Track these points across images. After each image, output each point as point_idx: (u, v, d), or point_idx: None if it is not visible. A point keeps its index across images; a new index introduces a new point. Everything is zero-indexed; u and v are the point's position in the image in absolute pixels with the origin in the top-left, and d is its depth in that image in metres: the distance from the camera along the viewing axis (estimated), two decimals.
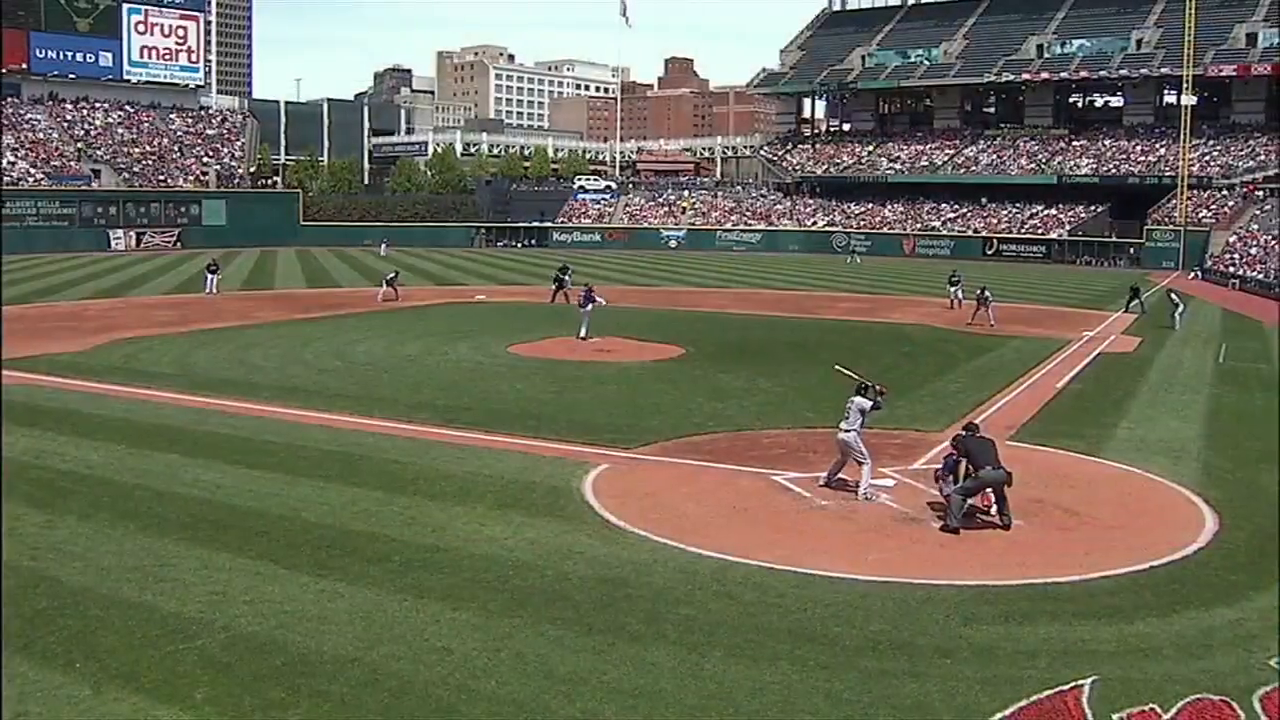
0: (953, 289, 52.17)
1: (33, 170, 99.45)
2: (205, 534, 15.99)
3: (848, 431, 18.54)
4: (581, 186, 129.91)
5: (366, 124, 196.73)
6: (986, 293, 46.21)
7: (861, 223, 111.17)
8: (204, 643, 12.19)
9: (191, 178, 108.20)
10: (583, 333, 37.45)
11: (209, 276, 55.90)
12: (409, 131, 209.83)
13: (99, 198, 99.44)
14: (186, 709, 10.72)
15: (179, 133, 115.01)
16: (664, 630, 12.76)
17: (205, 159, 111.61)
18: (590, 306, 38.61)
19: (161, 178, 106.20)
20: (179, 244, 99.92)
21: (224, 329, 41.42)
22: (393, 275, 55.42)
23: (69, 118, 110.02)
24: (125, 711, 10.67)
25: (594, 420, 24.67)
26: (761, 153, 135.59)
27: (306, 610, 13.16)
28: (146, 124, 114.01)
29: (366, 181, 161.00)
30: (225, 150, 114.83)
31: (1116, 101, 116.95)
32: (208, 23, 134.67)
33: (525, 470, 20.08)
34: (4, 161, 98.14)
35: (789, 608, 13.54)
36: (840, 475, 18.92)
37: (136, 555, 15.05)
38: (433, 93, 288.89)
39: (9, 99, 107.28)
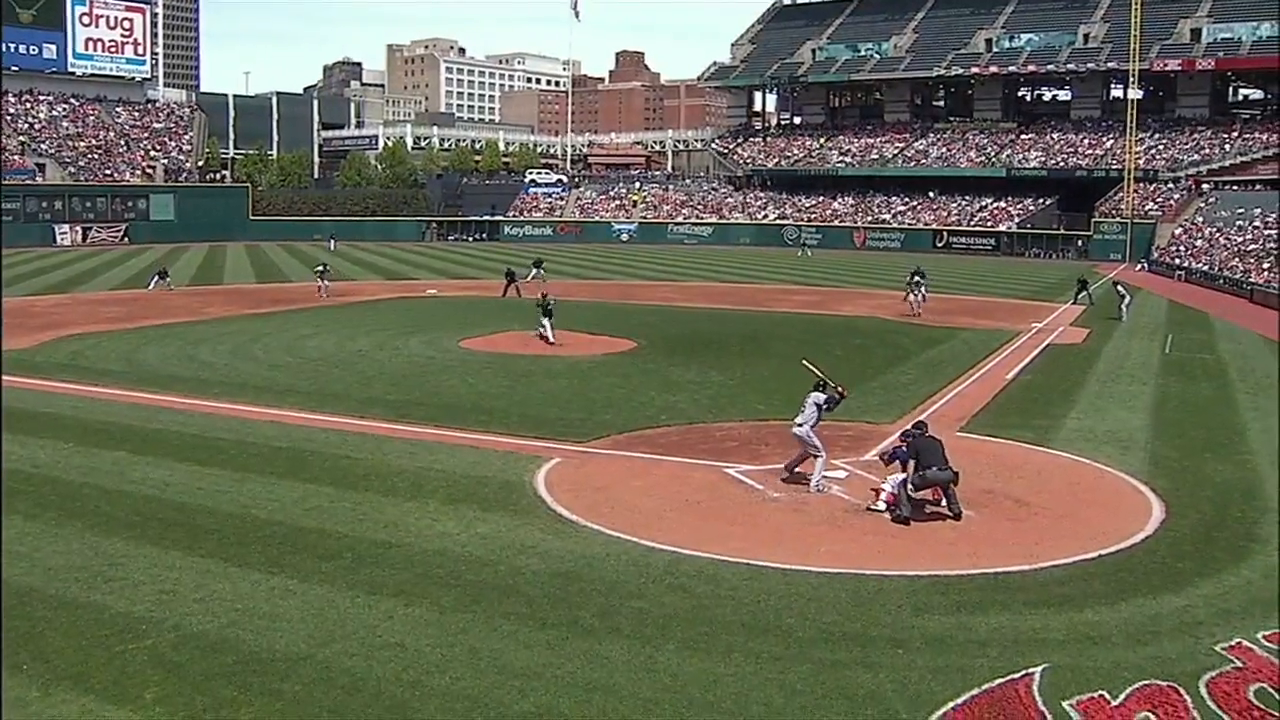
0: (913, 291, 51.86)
1: None
2: (154, 532, 15.83)
3: (800, 425, 18.62)
4: (533, 180, 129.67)
5: (316, 118, 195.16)
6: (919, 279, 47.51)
7: (812, 216, 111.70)
8: (154, 642, 12.07)
9: (139, 172, 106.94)
10: (550, 336, 36.48)
11: (156, 279, 55.28)
12: (359, 125, 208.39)
13: (43, 192, 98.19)
14: (137, 709, 10.60)
15: (126, 126, 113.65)
16: (618, 624, 12.77)
17: (153, 153, 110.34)
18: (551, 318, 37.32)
19: (108, 172, 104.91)
20: (126, 239, 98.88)
21: (173, 325, 41.00)
22: (322, 268, 54.89)
23: (12, 111, 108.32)
24: (74, 713, 10.54)
25: (546, 414, 24.65)
26: (712, 146, 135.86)
27: (258, 608, 13.06)
28: (92, 117, 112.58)
29: (316, 175, 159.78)
30: (173, 144, 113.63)
31: (1064, 95, 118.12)
32: (154, 15, 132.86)
33: (477, 465, 20.03)
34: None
35: (742, 600, 13.58)
36: (799, 469, 19.00)
37: (84, 554, 14.88)
38: (383, 86, 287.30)
39: None
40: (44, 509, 16.88)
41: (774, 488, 18.63)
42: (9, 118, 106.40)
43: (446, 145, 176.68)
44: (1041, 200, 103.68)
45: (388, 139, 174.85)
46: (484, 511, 17.10)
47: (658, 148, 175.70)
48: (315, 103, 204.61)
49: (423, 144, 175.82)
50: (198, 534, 15.77)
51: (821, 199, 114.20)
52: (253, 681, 11.16)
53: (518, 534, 16.03)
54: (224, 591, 13.56)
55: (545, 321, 36.39)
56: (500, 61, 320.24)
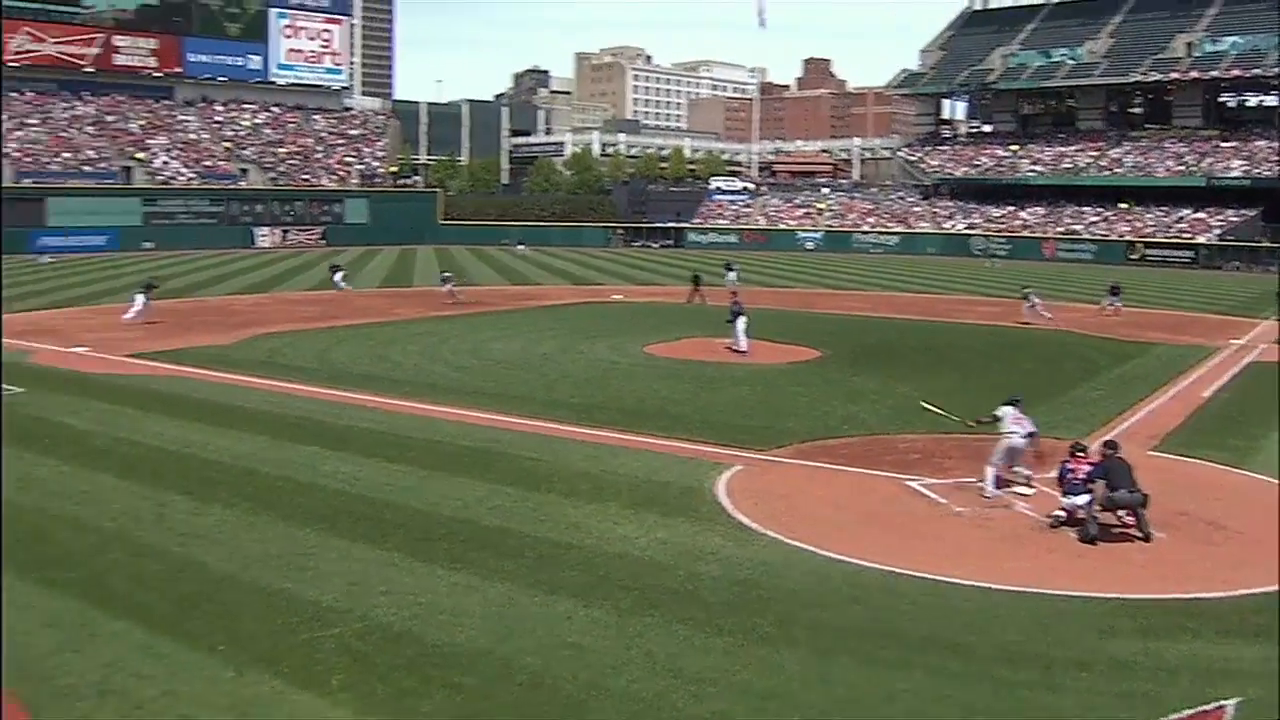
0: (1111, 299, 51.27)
1: (184, 170, 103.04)
2: (344, 525, 16.39)
3: (1008, 434, 18.55)
4: (718, 188, 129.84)
5: (505, 124, 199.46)
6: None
7: (1001, 226, 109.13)
8: (341, 631, 12.50)
9: (335, 177, 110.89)
10: (742, 345, 36.19)
11: (335, 277, 57.23)
12: (547, 132, 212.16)
13: (245, 196, 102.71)
14: (323, 694, 11.00)
15: (323, 133, 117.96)
16: (794, 633, 12.70)
17: (348, 159, 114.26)
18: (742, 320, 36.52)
19: (306, 177, 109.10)
20: (323, 241, 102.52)
21: (364, 325, 42.37)
22: (447, 275, 54.98)
23: (219, 119, 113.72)
24: (265, 694, 11.00)
25: (728, 421, 24.65)
26: (899, 154, 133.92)
27: (440, 602, 13.40)
28: (292, 125, 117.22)
29: (505, 181, 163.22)
30: (368, 150, 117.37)
31: (1271, 101, 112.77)
32: (352, 26, 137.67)
33: (659, 470, 20.15)
34: (158, 161, 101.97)
35: (921, 615, 13.37)
36: (1009, 482, 18.81)
37: (278, 544, 15.51)
38: (571, 93, 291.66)
39: (163, 101, 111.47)
40: (241, 499, 17.64)
41: (958, 502, 18.28)
42: (216, 125, 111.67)
43: (633, 152, 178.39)
44: (1244, 211, 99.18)
45: (575, 146, 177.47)
46: (664, 516, 17.19)
47: (844, 156, 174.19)
48: (505, 110, 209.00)
49: (609, 151, 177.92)
50: (385, 528, 16.26)
51: (1011, 209, 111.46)
52: (434, 674, 11.46)
53: (697, 540, 16.08)
54: (409, 585, 13.96)
55: (738, 327, 36.01)
56: (687, 69, 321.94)
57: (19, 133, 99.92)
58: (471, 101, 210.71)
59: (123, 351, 34.55)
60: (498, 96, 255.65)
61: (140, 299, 41.43)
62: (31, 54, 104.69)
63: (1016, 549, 16.12)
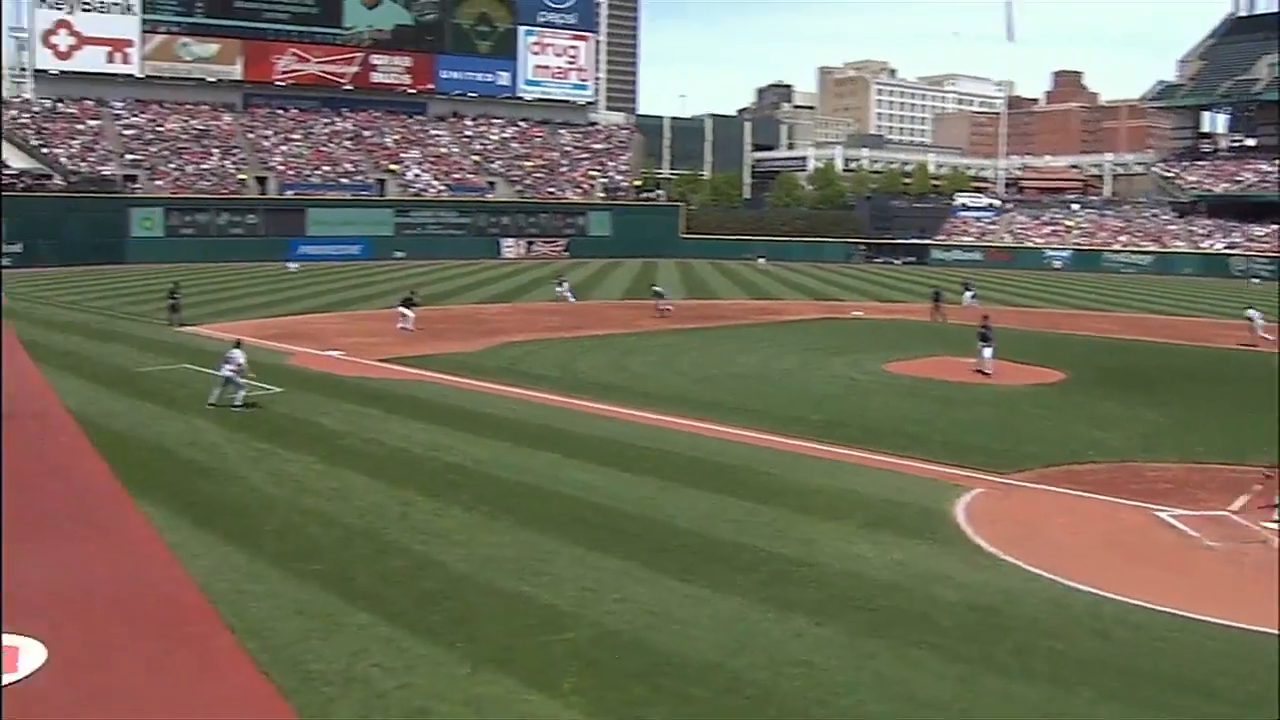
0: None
1: (434, 182, 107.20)
2: (580, 532, 16.69)
3: None
4: (963, 204, 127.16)
5: (748, 139, 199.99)
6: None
7: (1265, 245, 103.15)
8: (574, 636, 12.72)
9: (579, 190, 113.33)
10: (987, 368, 35.27)
11: (560, 288, 58.42)
12: (789, 147, 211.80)
13: (492, 208, 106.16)
14: (554, 696, 11.20)
15: (568, 147, 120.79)
16: (1032, 664, 12.26)
17: (592, 172, 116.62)
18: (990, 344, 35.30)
19: (551, 190, 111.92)
20: (566, 253, 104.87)
21: (606, 336, 43.16)
22: (658, 290, 54.59)
23: (468, 133, 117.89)
24: (498, 693, 11.28)
25: (969, 442, 24.05)
26: (1154, 170, 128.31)
27: (672, 613, 13.48)
28: (538, 139, 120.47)
29: (746, 196, 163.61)
30: (611, 164, 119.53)
31: None
32: (598, 42, 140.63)
33: (897, 490, 19.82)
34: (410, 174, 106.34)
35: (1166, 652, 12.71)
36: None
37: (515, 547, 15.91)
38: (814, 108, 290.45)
39: (416, 117, 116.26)
40: (481, 502, 18.18)
41: (1210, 535, 17.32)
42: (465, 139, 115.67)
43: (876, 167, 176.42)
44: None
45: (818, 161, 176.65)
46: (901, 537, 16.89)
47: (1095, 171, 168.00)
48: (747, 124, 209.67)
49: (852, 166, 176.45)
50: (620, 537, 16.49)
51: (1275, 227, 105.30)
52: (664, 684, 11.53)
53: (934, 563, 15.73)
54: (641, 594, 14.10)
55: (985, 350, 35.12)
56: (931, 82, 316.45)
57: (283, 147, 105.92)
58: (714, 116, 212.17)
59: (374, 356, 36.16)
60: (740, 111, 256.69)
61: (405, 311, 43.25)
62: (296, 73, 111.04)
63: (1273, 587, 15.17)
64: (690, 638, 12.74)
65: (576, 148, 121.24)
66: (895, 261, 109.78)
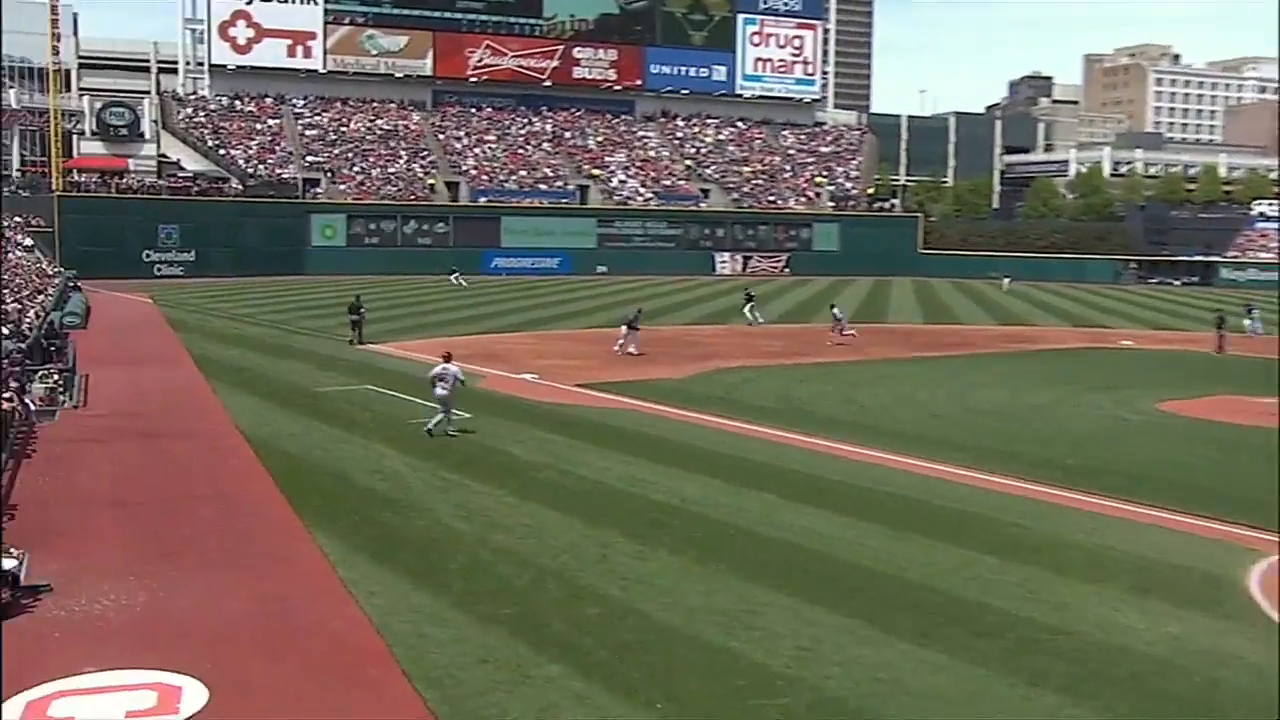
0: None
1: (641, 189, 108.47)
2: (798, 582, 16.60)
3: None
4: (1261, 213, 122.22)
5: (998, 140, 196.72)
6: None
7: None
8: (788, 701, 12.62)
9: (803, 199, 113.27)
10: None
11: (747, 308, 58.18)
12: (1047, 148, 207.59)
13: (706, 219, 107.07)
14: None
15: (792, 150, 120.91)
16: None
17: (819, 178, 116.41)
18: None
19: (771, 198, 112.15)
20: (786, 270, 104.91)
21: (831, 364, 42.99)
22: (836, 312, 52.75)
23: (680, 135, 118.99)
24: None
25: (1264, 498, 23.02)
26: None
27: (904, 680, 13.27)
28: (758, 141, 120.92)
29: (995, 205, 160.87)
30: (840, 169, 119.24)
31: None
32: (826, 31, 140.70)
33: (1172, 550, 19.11)
34: (615, 179, 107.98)
35: None
36: None
37: (725, 597, 15.92)
38: (1077, 103, 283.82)
39: (622, 116, 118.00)
40: (688, 545, 18.27)
41: None
42: (676, 141, 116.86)
43: (1153, 171, 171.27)
44: None
45: (1080, 164, 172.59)
46: (1178, 607, 16.27)
47: None
48: (998, 123, 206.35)
49: (1123, 170, 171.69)
50: (844, 591, 16.33)
51: None
52: None
53: (1220, 640, 15.07)
54: (867, 657, 13.93)
55: None
56: (1225, 69, 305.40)
57: (476, 149, 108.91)
58: (959, 114, 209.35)
59: (572, 380, 36.82)
60: (990, 108, 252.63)
61: (628, 330, 43.91)
62: (491, 68, 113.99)
63: None
64: (925, 709, 12.52)
65: (801, 151, 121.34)
66: (1174, 282, 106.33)
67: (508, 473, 23.43)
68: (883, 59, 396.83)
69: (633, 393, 34.40)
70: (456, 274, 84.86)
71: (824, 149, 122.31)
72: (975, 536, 19.43)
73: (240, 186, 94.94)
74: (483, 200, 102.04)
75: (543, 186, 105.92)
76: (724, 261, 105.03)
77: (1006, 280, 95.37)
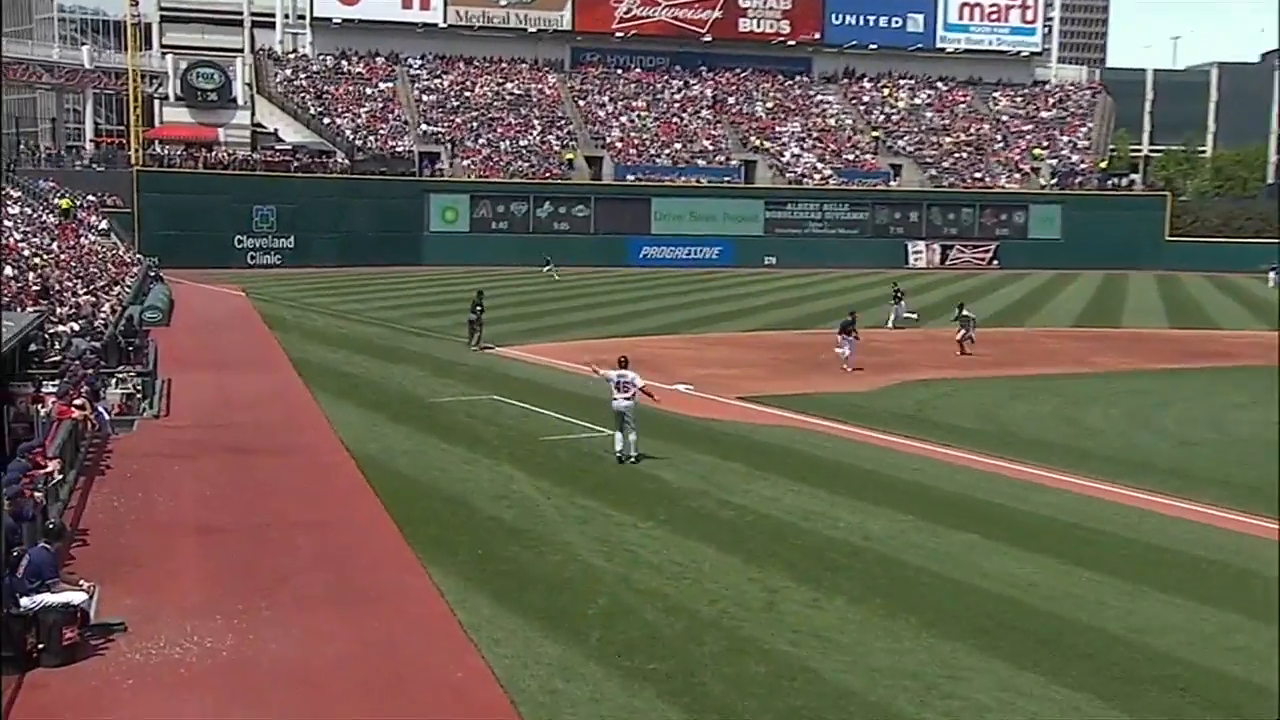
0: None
1: (820, 165, 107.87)
2: (1008, 644, 16.34)
3: None
4: None
5: (1277, 97, 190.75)
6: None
7: None
8: None
9: (1017, 175, 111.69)
10: None
11: (897, 306, 57.38)
12: None
13: (896, 200, 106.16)
14: None
15: (1004, 116, 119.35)
16: None
17: (1037, 150, 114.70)
18: None
19: (978, 175, 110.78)
20: (994, 262, 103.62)
21: (1049, 376, 42.40)
22: (965, 317, 50.46)
23: (866, 99, 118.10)
24: None
25: None
26: None
27: None
28: (962, 105, 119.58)
29: (1270, 180, 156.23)
30: (1065, 138, 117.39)
31: None
32: None
33: None
34: (787, 154, 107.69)
35: None
36: None
37: (917, 658, 15.74)
38: None
39: (797, 78, 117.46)
40: (872, 593, 18.12)
41: None
42: (862, 107, 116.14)
43: None
44: None
45: None
46: None
47: None
48: (1277, 74, 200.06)
49: None
50: (1064, 656, 16.01)
51: None
52: None
53: None
54: None
55: None
56: None
57: (623, 118, 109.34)
58: (1223, 65, 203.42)
59: (732, 392, 36.91)
60: (1267, 55, 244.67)
61: (845, 337, 43.70)
62: (641, 21, 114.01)
63: None
64: None
65: (1016, 117, 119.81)
66: None
67: (656, 500, 23.52)
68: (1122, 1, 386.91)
69: (805, 408, 34.33)
70: (550, 265, 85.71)
71: (1045, 114, 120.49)
72: (1240, 596, 18.83)
73: (347, 161, 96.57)
74: (630, 179, 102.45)
75: (701, 162, 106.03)
76: (918, 252, 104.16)
77: (1272, 275, 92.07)
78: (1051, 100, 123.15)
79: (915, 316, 57.72)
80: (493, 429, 30.60)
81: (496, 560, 19.46)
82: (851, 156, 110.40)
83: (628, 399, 26.78)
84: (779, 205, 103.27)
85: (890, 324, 56.52)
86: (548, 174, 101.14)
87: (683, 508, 23.09)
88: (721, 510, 23.00)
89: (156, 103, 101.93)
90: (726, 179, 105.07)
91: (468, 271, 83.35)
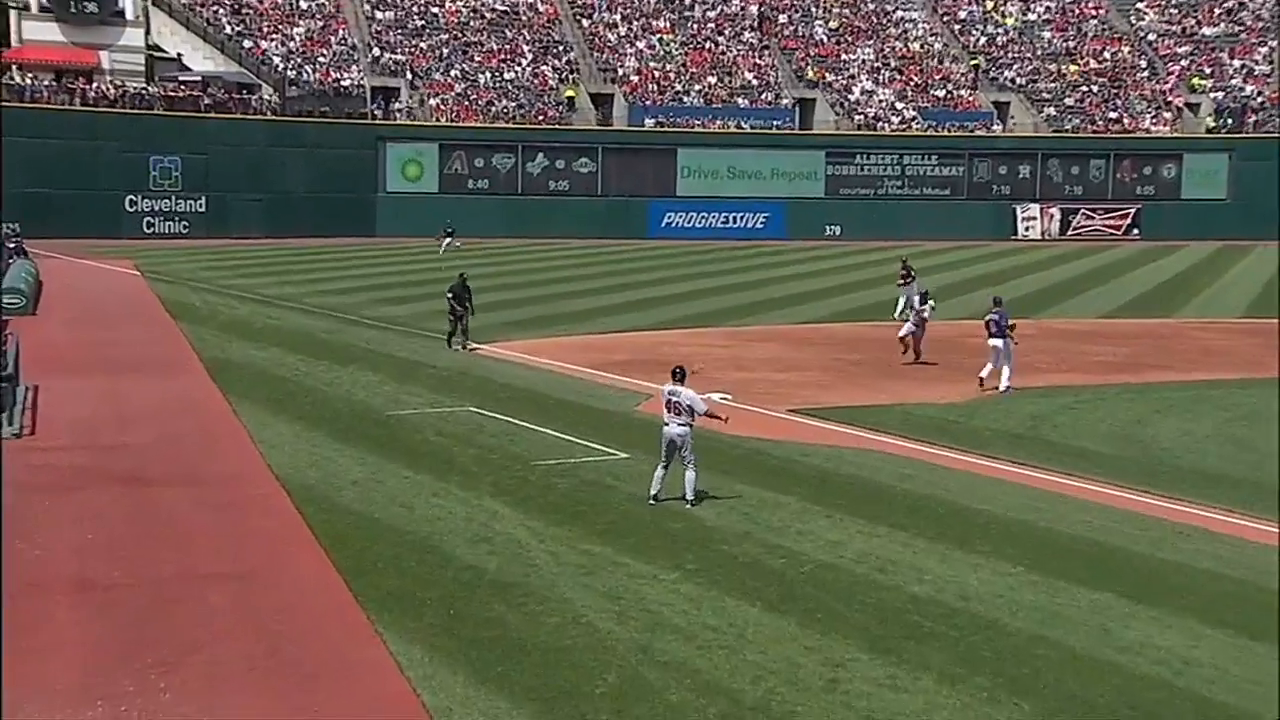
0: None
1: (900, 104, 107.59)
2: None
3: None
4: None
5: None
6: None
7: None
8: None
9: (1167, 115, 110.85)
10: None
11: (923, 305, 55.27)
12: None
13: (1001, 147, 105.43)
14: None
15: (1150, 34, 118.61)
16: None
17: (1195, 79, 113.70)
18: None
19: (1112, 115, 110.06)
20: (1134, 231, 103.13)
21: (1206, 384, 42.41)
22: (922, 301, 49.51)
23: (962, 16, 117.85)
24: None
25: None
26: None
27: None
28: (1092, 21, 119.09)
29: None
30: (1235, 63, 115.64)
31: None
32: None
33: None
34: (855, 88, 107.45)
35: None
36: None
37: None
38: None
39: None
40: (970, 670, 17.94)
41: None
42: (955, 26, 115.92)
43: None
44: None
45: None
46: None
47: None
48: None
49: None
50: None
51: None
52: None
53: None
54: None
55: None
56: None
57: (639, 44, 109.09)
58: None
59: (782, 403, 36.97)
60: None
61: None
62: None
63: None
64: None
65: (1167, 34, 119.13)
66: None
67: (684, 545, 23.46)
68: None
69: (879, 424, 34.37)
70: (450, 238, 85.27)
71: (1208, 29, 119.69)
72: None
73: (276, 99, 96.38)
74: (649, 123, 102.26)
75: (742, 101, 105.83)
76: (1029, 218, 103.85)
77: None
78: (1217, 10, 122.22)
79: (931, 307, 55.95)
80: (471, 451, 30.57)
81: (474, 623, 19.37)
82: (942, 93, 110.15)
83: (682, 424, 26.23)
84: (845, 158, 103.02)
85: (898, 314, 55.69)
86: (541, 117, 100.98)
87: (719, 554, 23.02)
88: (770, 558, 22.93)
89: (13, 14, 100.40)
90: (776, 124, 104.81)
91: (435, 245, 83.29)
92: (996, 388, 39.93)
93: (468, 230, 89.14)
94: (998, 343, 40.10)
